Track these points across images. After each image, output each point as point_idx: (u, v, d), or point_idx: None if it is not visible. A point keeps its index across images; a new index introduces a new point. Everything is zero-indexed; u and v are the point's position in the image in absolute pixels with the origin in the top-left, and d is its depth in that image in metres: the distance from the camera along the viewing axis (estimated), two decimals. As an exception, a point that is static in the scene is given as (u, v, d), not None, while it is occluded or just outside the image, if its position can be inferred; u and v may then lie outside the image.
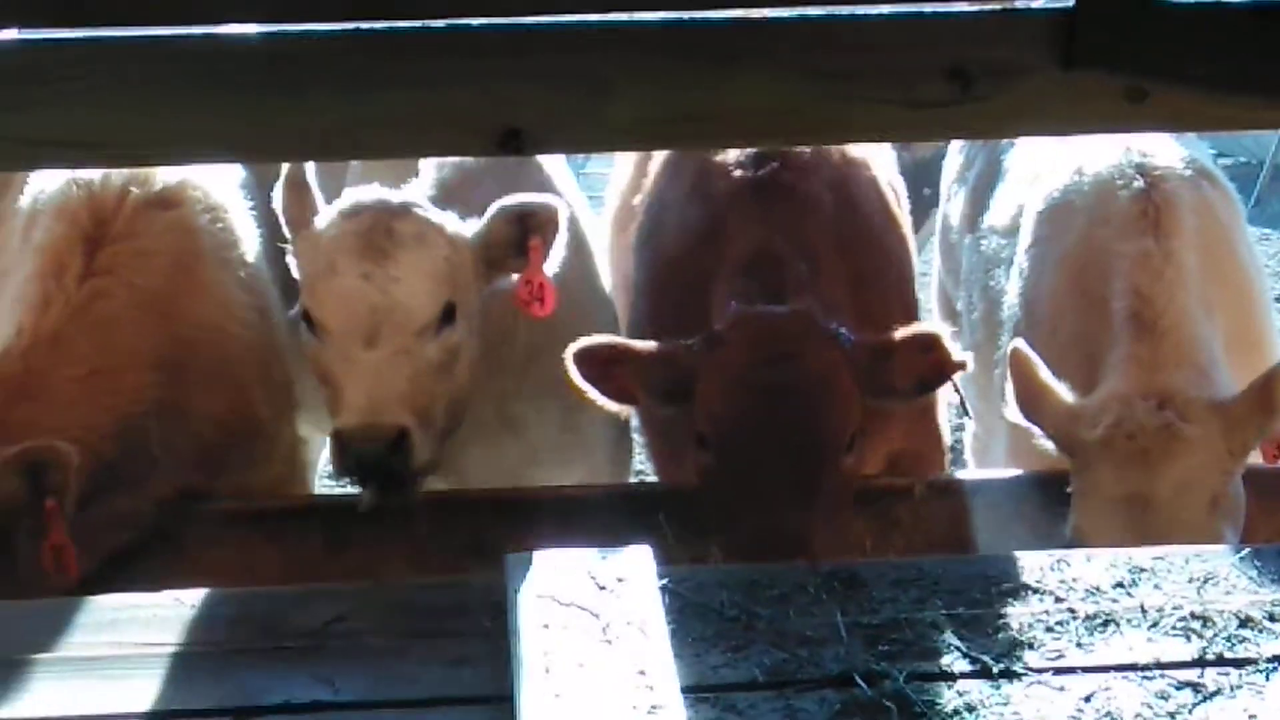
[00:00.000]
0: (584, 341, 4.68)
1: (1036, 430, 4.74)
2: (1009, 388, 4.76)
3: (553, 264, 4.89)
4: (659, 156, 5.42)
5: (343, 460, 4.63)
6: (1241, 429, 4.60)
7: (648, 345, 4.72)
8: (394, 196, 4.89)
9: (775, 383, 4.48)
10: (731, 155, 5.05)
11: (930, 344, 4.58)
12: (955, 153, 6.53)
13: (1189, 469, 4.57)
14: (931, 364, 4.58)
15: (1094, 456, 4.60)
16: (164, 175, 5.06)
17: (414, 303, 4.73)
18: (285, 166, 4.95)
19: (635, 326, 5.27)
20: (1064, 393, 4.69)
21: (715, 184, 5.04)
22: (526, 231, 4.89)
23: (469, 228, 4.93)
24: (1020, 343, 4.77)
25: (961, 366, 4.59)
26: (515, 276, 4.96)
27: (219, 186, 5.29)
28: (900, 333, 4.64)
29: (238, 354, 5.04)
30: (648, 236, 5.38)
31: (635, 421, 5.62)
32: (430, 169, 5.33)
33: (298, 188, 4.95)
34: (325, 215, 4.90)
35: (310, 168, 5.00)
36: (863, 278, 5.01)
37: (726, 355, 4.55)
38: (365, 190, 4.94)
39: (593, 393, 4.72)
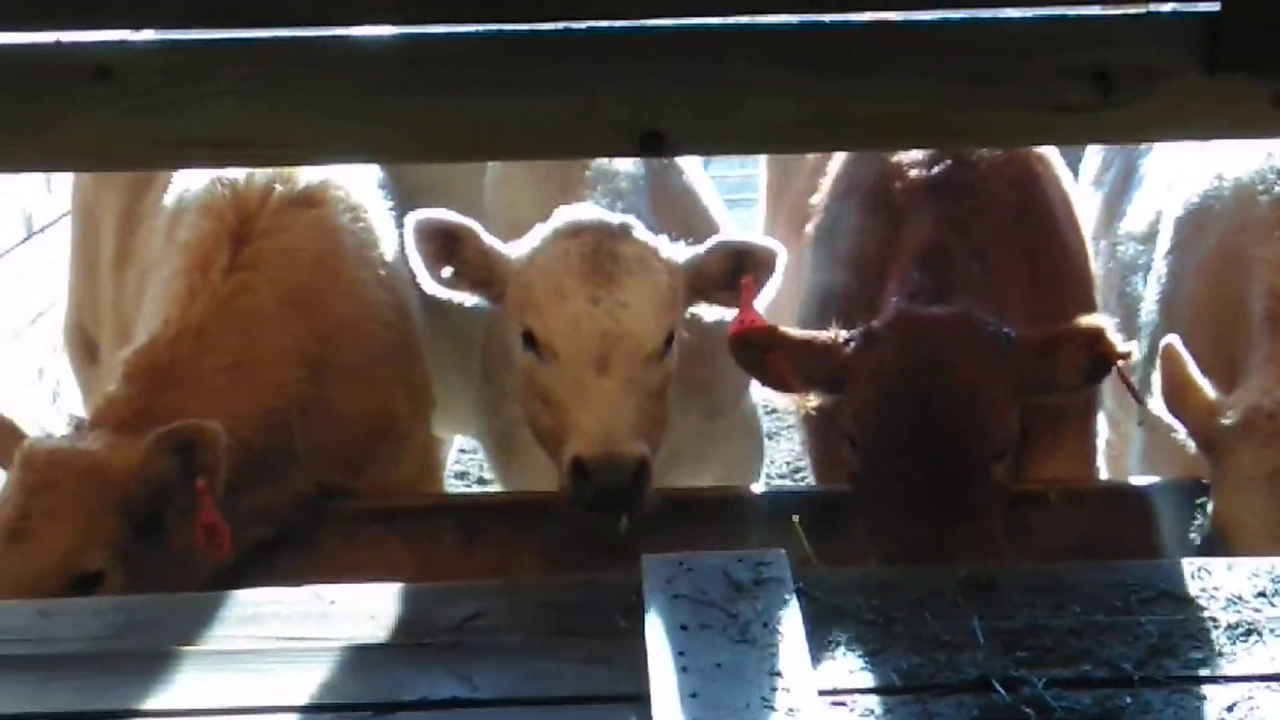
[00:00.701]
0: (744, 326, 4.67)
1: (1179, 427, 4.69)
2: (1156, 381, 4.73)
3: (762, 303, 4.85)
4: (838, 157, 5.39)
5: (580, 488, 4.61)
6: None
7: (806, 334, 4.69)
8: (610, 217, 4.87)
9: (925, 391, 4.44)
10: (910, 155, 5.02)
11: (1094, 337, 4.53)
12: (1091, 155, 6.46)
13: None
14: (1095, 356, 4.53)
15: (1234, 440, 4.54)
16: (306, 174, 5.12)
17: (644, 330, 4.73)
18: (413, 217, 4.92)
19: (806, 324, 5.24)
20: (1209, 389, 4.64)
21: (892, 183, 5.01)
22: (740, 269, 4.86)
23: (681, 253, 4.91)
24: (1174, 338, 4.71)
25: (1125, 357, 4.54)
26: (719, 310, 4.94)
27: (359, 186, 5.33)
28: (1063, 326, 4.59)
29: (379, 352, 5.09)
30: (825, 234, 5.36)
31: (768, 426, 5.61)
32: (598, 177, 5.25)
33: (469, 238, 4.92)
34: (538, 234, 4.88)
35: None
36: (1043, 280, 4.96)
37: (880, 357, 4.52)
38: (578, 209, 4.92)
39: (750, 311, 4.72)
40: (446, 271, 4.91)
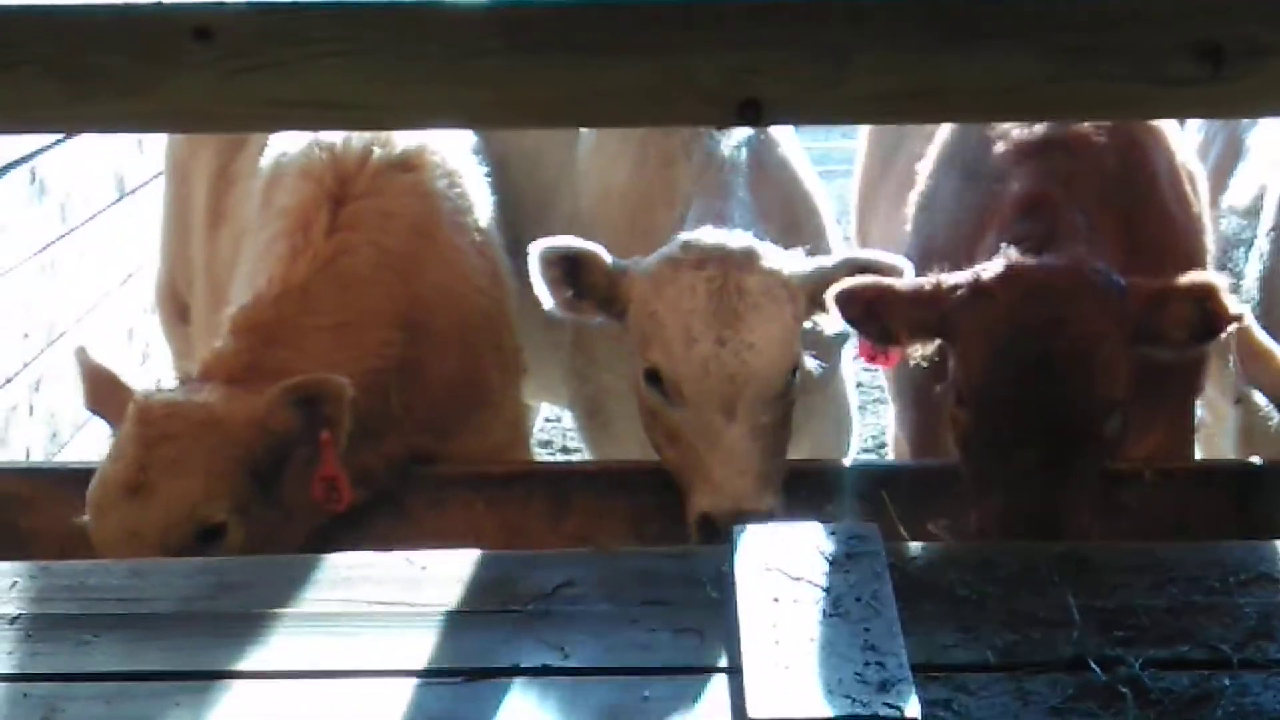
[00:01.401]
0: (848, 282, 4.59)
1: (1260, 396, 4.64)
2: (1232, 354, 4.69)
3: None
4: (944, 125, 5.34)
5: (708, 540, 4.57)
6: None
7: (911, 284, 4.61)
8: (733, 240, 4.82)
9: (1040, 352, 4.33)
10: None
11: (1206, 293, 4.44)
12: (1194, 130, 6.39)
13: None
14: (1206, 315, 4.46)
15: None
16: (403, 139, 5.13)
17: (772, 371, 4.72)
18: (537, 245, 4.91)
19: None
20: None
21: (994, 146, 4.95)
22: None
23: (803, 265, 4.87)
24: (1244, 308, 4.69)
25: (1238, 319, 4.46)
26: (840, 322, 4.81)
27: (454, 152, 5.34)
28: (1176, 280, 4.52)
29: (474, 319, 5.09)
30: (928, 200, 5.31)
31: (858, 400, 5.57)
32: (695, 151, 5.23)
33: (591, 260, 4.90)
34: (663, 256, 4.84)
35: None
36: (1140, 247, 4.88)
37: (993, 313, 4.42)
38: (702, 231, 4.87)
39: (856, 334, 4.67)
40: (569, 294, 4.91)
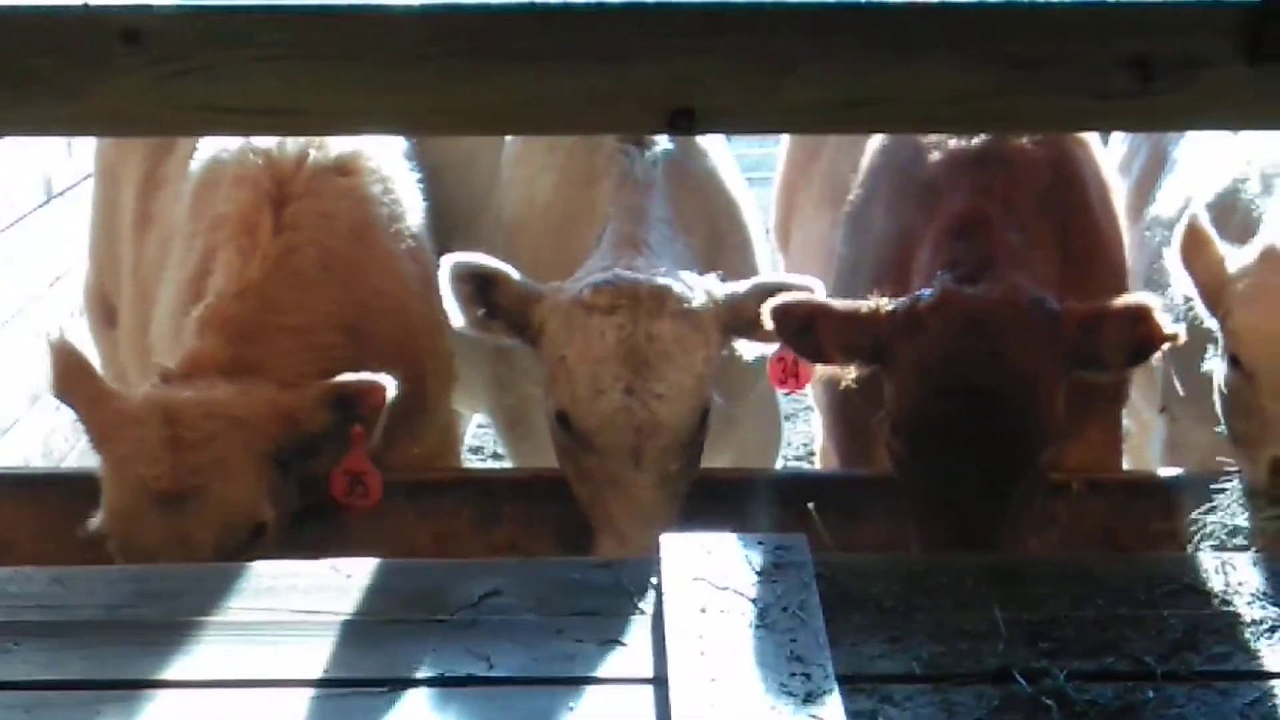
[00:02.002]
0: (785, 298, 4.60)
1: (1188, 285, 4.75)
2: (1176, 240, 4.79)
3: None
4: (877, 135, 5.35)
5: None
6: None
7: (847, 305, 4.60)
8: (647, 282, 4.77)
9: (975, 383, 4.36)
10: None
11: (1141, 315, 4.46)
12: (1118, 142, 6.43)
13: None
14: (1141, 336, 4.48)
15: (1250, 267, 4.66)
16: (338, 143, 5.12)
17: (681, 421, 4.71)
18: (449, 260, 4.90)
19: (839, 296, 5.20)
20: (1223, 246, 4.73)
21: (929, 157, 4.94)
22: None
23: (715, 294, 4.85)
24: (1201, 209, 4.83)
25: (1173, 339, 4.49)
26: (758, 347, 4.91)
27: (388, 157, 5.34)
28: (1111, 303, 4.54)
29: (412, 325, 5.07)
30: (861, 210, 5.30)
31: (785, 408, 5.57)
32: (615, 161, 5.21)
33: (504, 280, 4.89)
34: (575, 295, 4.79)
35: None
36: (1075, 258, 4.90)
37: (928, 343, 4.43)
38: (617, 270, 4.83)
39: (788, 350, 4.69)
40: (480, 312, 4.88)
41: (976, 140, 4.85)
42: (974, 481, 4.31)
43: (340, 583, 3.78)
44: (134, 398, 4.66)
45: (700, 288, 4.83)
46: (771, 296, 4.68)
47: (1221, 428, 4.76)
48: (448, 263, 4.86)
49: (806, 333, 4.56)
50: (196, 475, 4.49)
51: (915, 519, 4.45)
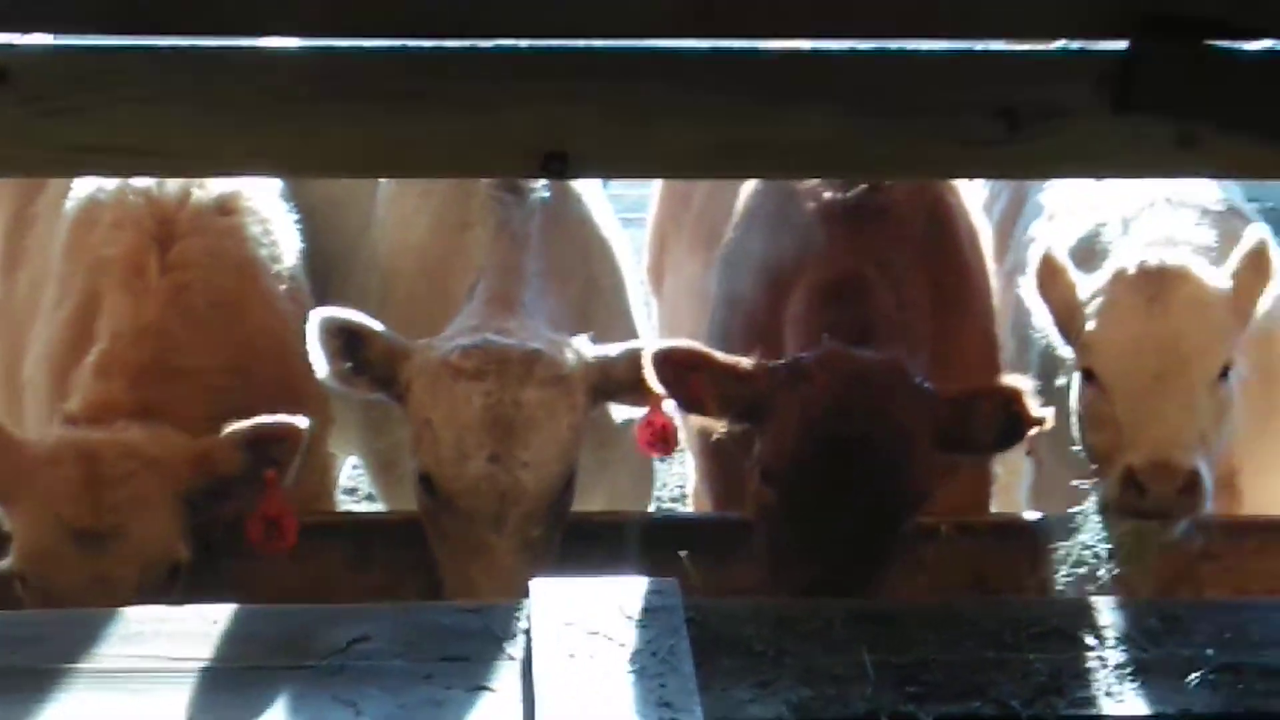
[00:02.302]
0: (668, 343, 4.62)
1: (1045, 312, 4.90)
2: (1031, 268, 4.92)
3: (672, 404, 4.78)
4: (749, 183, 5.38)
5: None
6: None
7: (731, 358, 4.60)
8: (516, 347, 4.73)
9: (855, 435, 4.38)
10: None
11: (1011, 398, 4.53)
12: (979, 186, 6.50)
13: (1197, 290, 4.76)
14: (1011, 418, 4.53)
15: (1105, 289, 4.80)
16: (218, 183, 5.09)
17: (545, 488, 4.67)
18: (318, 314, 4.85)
19: (711, 340, 5.20)
20: (1076, 273, 4.89)
21: (805, 205, 4.95)
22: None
23: (585, 357, 4.81)
24: (1056, 240, 4.98)
25: (1040, 423, 4.53)
26: (626, 411, 4.89)
27: (266, 198, 5.31)
28: (981, 387, 4.60)
29: (293, 366, 5.00)
30: (735, 255, 5.31)
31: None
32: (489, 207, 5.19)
33: (371, 335, 4.83)
34: (443, 357, 4.74)
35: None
36: (946, 302, 4.95)
37: (810, 395, 4.45)
38: (486, 325, 4.81)
39: (666, 396, 4.65)
40: (347, 366, 4.82)
41: (854, 191, 4.89)
42: (848, 529, 4.33)
43: (207, 629, 3.74)
44: (45, 440, 4.61)
45: (570, 351, 4.80)
46: (640, 362, 4.69)
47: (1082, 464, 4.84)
48: (316, 316, 4.81)
49: (684, 381, 4.56)
50: (117, 513, 4.44)
51: (779, 565, 4.44)
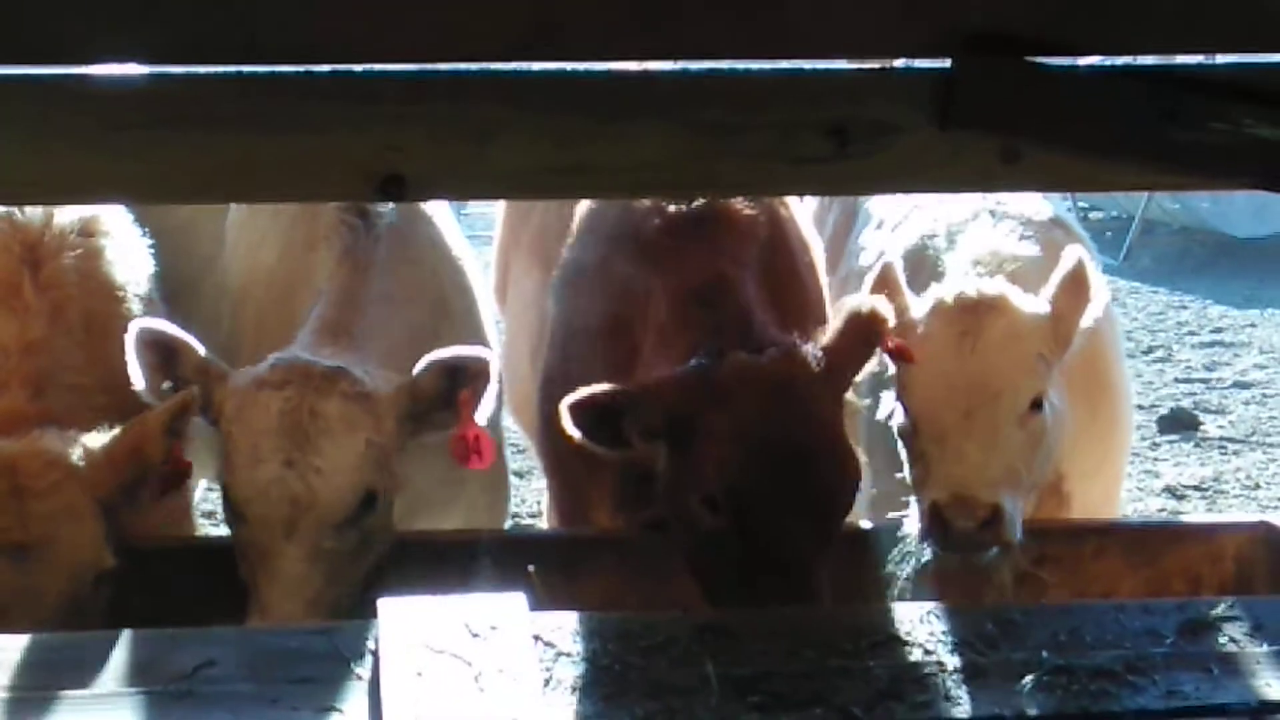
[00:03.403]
0: (585, 392, 4.54)
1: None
2: (867, 286, 5.00)
3: (483, 415, 4.79)
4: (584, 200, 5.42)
5: None
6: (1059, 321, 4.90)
7: (643, 386, 4.61)
8: (321, 363, 4.73)
9: (797, 446, 4.43)
10: None
11: (872, 316, 4.65)
12: (810, 198, 6.58)
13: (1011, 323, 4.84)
14: (874, 333, 4.65)
15: (924, 318, 4.88)
16: (73, 209, 5.09)
17: (337, 497, 4.62)
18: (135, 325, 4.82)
19: (555, 365, 5.21)
20: (910, 295, 4.97)
21: (646, 219, 4.99)
22: (456, 385, 4.79)
23: (395, 384, 4.80)
24: (895, 257, 5.05)
25: (885, 321, 4.67)
26: (441, 436, 4.85)
27: (122, 221, 5.34)
28: (842, 320, 4.68)
29: None
30: (574, 272, 5.34)
31: (519, 465, 5.57)
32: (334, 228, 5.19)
33: (187, 352, 4.80)
34: (253, 375, 4.74)
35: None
36: (787, 313, 4.97)
37: (738, 414, 4.46)
38: (306, 346, 4.83)
39: (585, 441, 4.59)
40: (166, 385, 4.79)
41: (696, 202, 4.94)
42: (801, 538, 4.39)
43: (50, 658, 3.72)
44: None
45: (381, 379, 4.79)
46: (448, 371, 4.74)
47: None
48: (134, 327, 4.77)
49: (605, 422, 4.53)
50: (44, 524, 4.43)
51: (737, 582, 4.44)
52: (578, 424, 4.55)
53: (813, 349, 4.58)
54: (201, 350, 4.80)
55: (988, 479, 4.66)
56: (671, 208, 4.97)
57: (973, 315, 4.80)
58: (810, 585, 4.38)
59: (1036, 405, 4.81)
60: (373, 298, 5.05)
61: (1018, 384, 4.77)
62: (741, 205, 5.00)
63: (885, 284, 4.95)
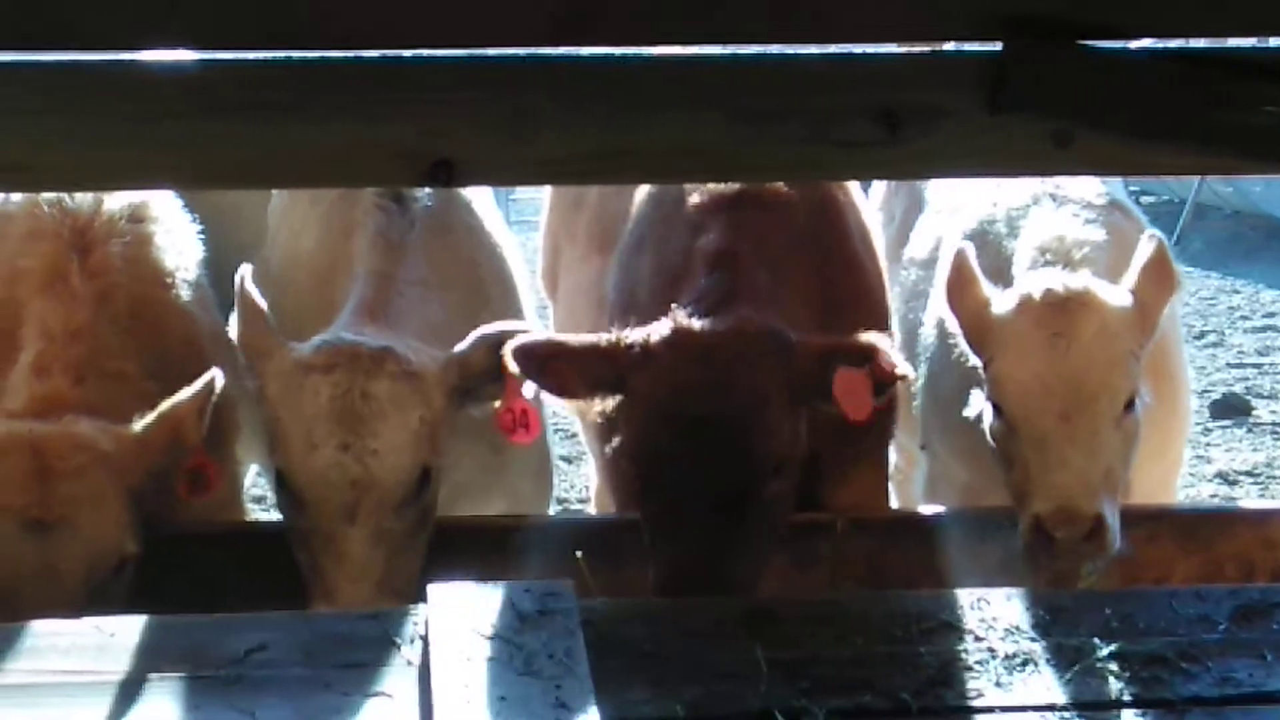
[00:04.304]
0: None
1: (953, 324, 4.88)
2: (940, 277, 4.93)
3: (530, 389, 4.77)
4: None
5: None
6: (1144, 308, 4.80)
7: (584, 340, 4.66)
8: (368, 343, 4.74)
9: (700, 414, 4.42)
10: None
11: (871, 352, 4.57)
12: (879, 183, 6.56)
13: (1103, 321, 4.72)
14: (873, 374, 4.57)
15: (1012, 314, 4.77)
16: (125, 194, 5.11)
17: (395, 478, 4.64)
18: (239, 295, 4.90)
19: None
20: (988, 286, 4.86)
21: (693, 196, 5.00)
22: (501, 360, 4.75)
23: (442, 359, 4.82)
24: (967, 245, 4.93)
25: (901, 378, 4.58)
26: (496, 404, 4.87)
27: (171, 207, 5.36)
28: (843, 339, 4.61)
29: (201, 373, 5.02)
30: (630, 252, 5.36)
31: (567, 451, 5.58)
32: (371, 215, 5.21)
33: (254, 316, 4.87)
34: (299, 357, 4.75)
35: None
36: (836, 304, 4.98)
37: (657, 374, 4.50)
38: (346, 327, 4.84)
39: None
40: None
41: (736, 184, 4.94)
42: (698, 510, 4.37)
43: (103, 641, 3.73)
44: None
45: (426, 355, 4.81)
46: (495, 346, 4.74)
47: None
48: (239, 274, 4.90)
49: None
50: (67, 505, 4.45)
51: (651, 551, 4.47)
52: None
53: (780, 330, 4.56)
54: (269, 319, 4.87)
55: (1090, 488, 4.58)
56: (712, 186, 4.98)
57: (1064, 314, 4.69)
58: (716, 559, 4.35)
59: (1130, 405, 4.74)
60: (408, 280, 5.07)
61: (1114, 385, 4.69)
62: (785, 189, 4.99)
63: (959, 273, 4.87)
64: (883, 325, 5.25)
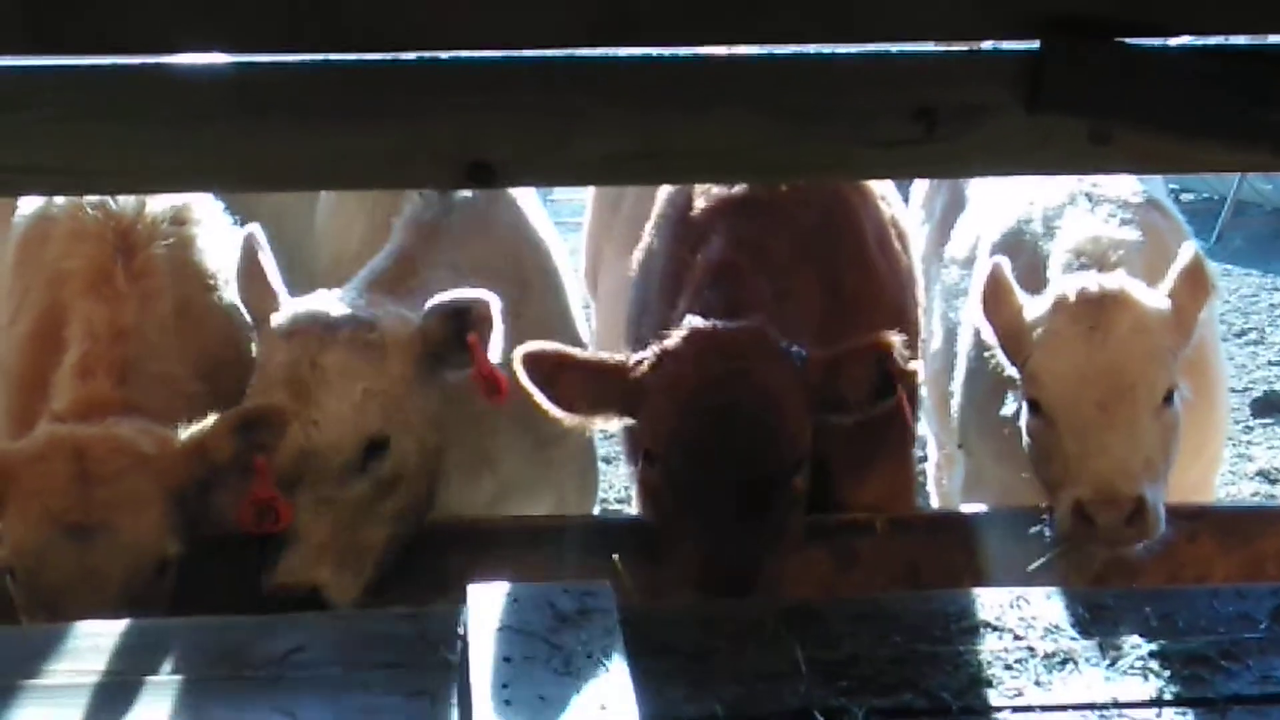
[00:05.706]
0: (531, 346, 4.67)
1: (990, 334, 4.90)
2: (975, 289, 4.95)
3: (494, 353, 4.81)
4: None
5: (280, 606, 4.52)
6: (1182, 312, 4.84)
7: (593, 356, 4.73)
8: (333, 309, 4.81)
9: (723, 402, 4.45)
10: None
11: (880, 352, 4.58)
12: (921, 181, 6.55)
13: (1138, 316, 4.77)
14: (882, 373, 4.58)
15: (1047, 315, 4.81)
16: (168, 196, 5.15)
17: (336, 447, 4.68)
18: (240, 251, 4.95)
19: (628, 343, 5.25)
20: (1023, 295, 4.89)
21: (698, 201, 5.05)
22: (464, 327, 4.81)
23: (408, 326, 4.86)
24: (1002, 258, 4.96)
25: (912, 376, 4.59)
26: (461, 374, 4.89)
27: (213, 209, 5.40)
28: (850, 343, 4.64)
29: (245, 375, 5.05)
30: (645, 259, 5.40)
31: (606, 451, 5.58)
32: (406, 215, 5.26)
33: (254, 276, 4.93)
34: (276, 319, 4.85)
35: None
36: (848, 299, 5.01)
37: (675, 370, 4.54)
38: (314, 299, 4.89)
39: (540, 398, 4.69)
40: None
41: (741, 187, 4.94)
42: (728, 501, 4.38)
43: (144, 642, 3.76)
44: (35, 436, 4.63)
45: (402, 324, 4.84)
46: (452, 314, 4.78)
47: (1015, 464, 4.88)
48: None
49: (554, 382, 4.65)
50: (106, 509, 4.47)
51: (673, 549, 4.48)
52: (528, 377, 4.65)
53: (788, 345, 4.60)
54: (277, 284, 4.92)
55: (1130, 472, 4.61)
56: (714, 192, 4.98)
57: (1098, 309, 4.75)
58: (743, 566, 4.34)
59: (1168, 398, 4.76)
60: (436, 263, 5.09)
61: (1151, 376, 4.73)
62: (792, 191, 5.00)
63: (995, 285, 4.90)
64: (895, 324, 5.25)
